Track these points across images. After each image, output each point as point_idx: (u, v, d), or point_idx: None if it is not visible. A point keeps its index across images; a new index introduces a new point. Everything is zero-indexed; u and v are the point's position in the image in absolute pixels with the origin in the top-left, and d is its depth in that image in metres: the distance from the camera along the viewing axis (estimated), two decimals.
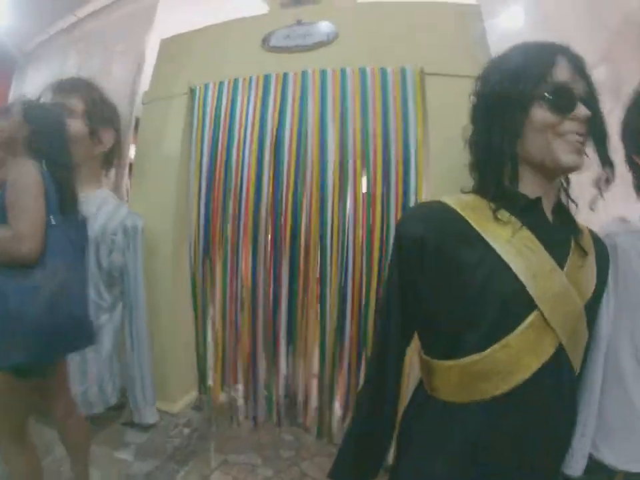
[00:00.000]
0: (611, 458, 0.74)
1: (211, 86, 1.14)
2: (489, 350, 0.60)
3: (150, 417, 1.02)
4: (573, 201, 0.72)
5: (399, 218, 0.80)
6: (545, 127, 0.62)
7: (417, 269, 0.64)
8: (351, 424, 0.78)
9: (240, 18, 1.21)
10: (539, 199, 0.66)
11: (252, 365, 1.08)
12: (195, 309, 1.14)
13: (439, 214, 0.65)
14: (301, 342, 1.04)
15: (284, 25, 1.13)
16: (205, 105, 1.13)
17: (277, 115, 1.02)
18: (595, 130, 0.64)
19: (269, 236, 1.04)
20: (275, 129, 1.02)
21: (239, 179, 1.04)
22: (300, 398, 1.06)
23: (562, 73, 0.62)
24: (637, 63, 1.27)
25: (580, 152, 0.62)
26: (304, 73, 1.04)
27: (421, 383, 0.75)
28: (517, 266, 0.60)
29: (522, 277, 0.59)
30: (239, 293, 1.07)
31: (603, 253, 0.71)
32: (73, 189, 0.83)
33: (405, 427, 0.73)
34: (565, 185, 0.72)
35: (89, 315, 0.84)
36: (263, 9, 1.44)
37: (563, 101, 0.61)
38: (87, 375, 0.96)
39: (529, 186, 0.66)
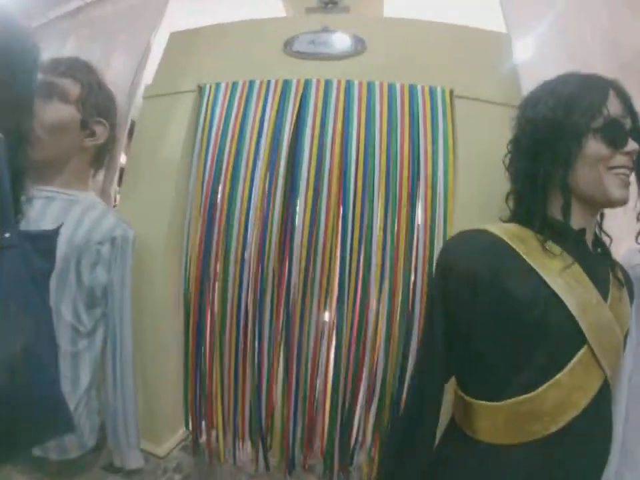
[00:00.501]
0: None
1: (223, 85, 1.04)
2: (540, 389, 0.58)
3: (134, 461, 0.84)
4: (607, 234, 0.73)
5: (440, 246, 0.71)
6: (598, 160, 0.62)
7: (468, 304, 0.61)
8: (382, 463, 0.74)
9: (260, 18, 1.13)
10: (583, 231, 0.66)
11: (257, 399, 0.93)
12: (187, 334, 0.99)
13: (491, 245, 0.63)
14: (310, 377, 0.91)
15: (308, 30, 1.06)
16: (214, 105, 1.02)
17: (294, 124, 0.93)
18: None
19: (280, 266, 0.91)
20: (290, 140, 0.92)
21: (247, 192, 0.92)
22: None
23: (614, 107, 0.63)
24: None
25: (627, 186, 0.63)
26: (327, 82, 0.96)
27: (452, 422, 0.70)
28: (569, 300, 0.58)
29: (574, 312, 0.58)
30: (241, 322, 0.93)
31: (629, 285, 0.70)
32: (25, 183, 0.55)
33: (439, 470, 0.67)
34: (600, 220, 0.72)
35: (61, 388, 0.59)
36: (282, 11, 1.39)
37: (616, 135, 0.62)
38: None
39: (574, 217, 0.65)
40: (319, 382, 0.92)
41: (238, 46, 1.10)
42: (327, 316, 0.90)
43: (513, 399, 0.59)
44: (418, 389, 0.67)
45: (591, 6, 1.41)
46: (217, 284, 0.96)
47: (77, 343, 0.80)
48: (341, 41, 1.01)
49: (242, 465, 0.98)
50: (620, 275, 0.68)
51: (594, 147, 0.61)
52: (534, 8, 1.40)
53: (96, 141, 0.88)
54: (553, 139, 0.62)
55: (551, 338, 0.58)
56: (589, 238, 0.67)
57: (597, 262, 0.66)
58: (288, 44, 1.03)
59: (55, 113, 0.81)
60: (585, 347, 0.58)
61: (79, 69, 0.86)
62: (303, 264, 0.87)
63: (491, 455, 0.61)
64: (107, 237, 0.82)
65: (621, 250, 0.80)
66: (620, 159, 0.61)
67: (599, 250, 0.70)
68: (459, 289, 0.61)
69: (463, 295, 0.61)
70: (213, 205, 0.95)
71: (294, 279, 0.88)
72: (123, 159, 1.24)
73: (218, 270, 0.94)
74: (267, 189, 0.92)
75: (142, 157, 1.09)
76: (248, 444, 0.98)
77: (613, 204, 0.63)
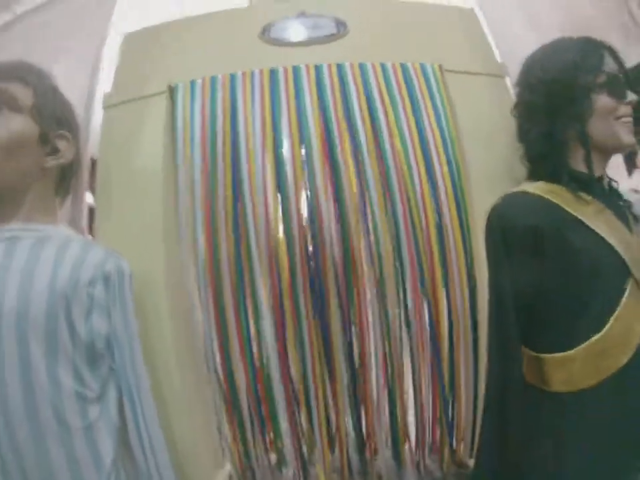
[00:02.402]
0: None
1: (199, 82, 0.93)
2: (607, 326, 0.63)
3: None
4: (613, 179, 0.79)
5: (492, 209, 0.70)
6: (608, 112, 0.69)
7: (535, 258, 0.66)
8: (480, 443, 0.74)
9: (227, 9, 1.05)
10: (602, 178, 0.73)
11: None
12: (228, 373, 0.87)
13: (538, 202, 0.69)
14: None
15: (282, 17, 0.99)
16: (192, 104, 0.91)
17: (294, 114, 0.85)
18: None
19: (307, 264, 0.81)
20: (295, 129, 0.84)
21: (255, 191, 0.82)
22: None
23: (610, 64, 0.71)
24: None
25: (632, 132, 0.71)
26: (318, 67, 0.90)
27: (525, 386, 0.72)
28: (613, 240, 0.65)
29: (619, 249, 0.65)
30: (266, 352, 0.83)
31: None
32: None
33: (525, 433, 0.68)
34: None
35: None
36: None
37: (618, 89, 0.70)
38: None
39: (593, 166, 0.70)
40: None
41: (207, 40, 1.00)
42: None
43: (585, 344, 0.64)
44: (498, 357, 0.70)
45: None
46: (230, 307, 0.85)
47: (87, 413, 0.65)
48: (322, 24, 0.96)
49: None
50: (635, 211, 0.75)
51: (602, 100, 0.69)
52: None
53: (60, 160, 0.72)
54: (566, 98, 0.69)
55: (604, 277, 0.65)
56: (605, 184, 0.75)
57: (615, 203, 0.73)
58: (265, 31, 0.95)
59: (6, 125, 0.65)
60: (631, 279, 0.65)
61: (28, 72, 0.71)
62: (334, 263, 0.80)
63: (573, 402, 0.65)
64: (97, 274, 0.67)
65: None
66: (624, 109, 0.70)
67: (614, 193, 0.77)
68: (524, 247, 0.66)
69: (529, 252, 0.66)
70: (214, 210, 0.84)
71: (330, 285, 0.81)
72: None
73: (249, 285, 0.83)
74: (277, 185, 0.83)
75: (114, 175, 0.93)
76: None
77: (625, 148, 0.72)
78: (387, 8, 1.08)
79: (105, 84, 1.15)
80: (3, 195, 0.66)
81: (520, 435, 0.70)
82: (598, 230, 0.65)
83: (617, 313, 0.64)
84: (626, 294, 0.64)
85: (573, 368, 0.65)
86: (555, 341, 0.67)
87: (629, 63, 1.33)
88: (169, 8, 1.25)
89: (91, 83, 1.14)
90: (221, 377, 0.89)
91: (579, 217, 0.66)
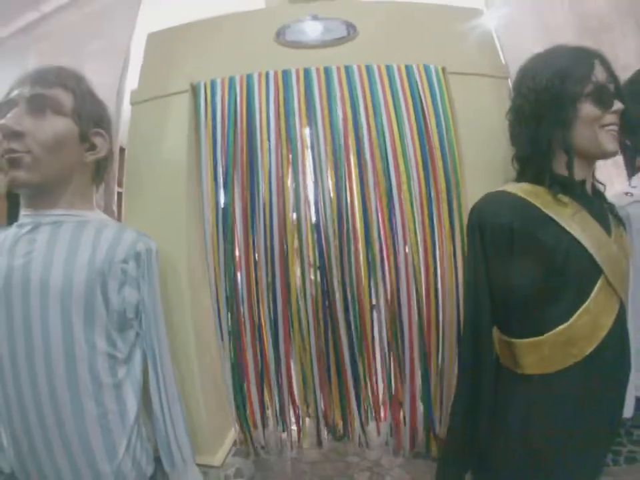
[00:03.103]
0: None
1: (218, 82, 1.02)
2: (574, 317, 0.69)
3: (192, 477, 0.83)
4: (600, 183, 0.83)
5: (472, 207, 0.76)
6: (592, 120, 0.72)
7: (505, 253, 0.71)
8: (453, 412, 0.81)
9: (244, 11, 1.12)
10: (584, 182, 0.76)
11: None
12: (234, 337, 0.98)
13: (517, 202, 0.73)
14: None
15: (296, 19, 1.05)
16: (214, 103, 1.00)
17: (304, 112, 0.93)
18: (628, 120, 0.75)
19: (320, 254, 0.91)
20: (302, 129, 0.92)
21: (267, 185, 0.92)
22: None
23: (600, 74, 0.73)
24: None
25: (617, 140, 0.74)
26: (327, 69, 0.97)
27: (499, 367, 0.80)
28: (585, 240, 0.70)
29: (591, 249, 0.69)
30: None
31: (622, 222, 0.82)
32: None
33: (498, 410, 0.76)
34: (593, 170, 0.82)
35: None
36: (259, 3, 1.36)
37: (604, 98, 0.72)
38: (116, 449, 0.75)
39: (575, 171, 0.74)
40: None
41: (226, 41, 1.08)
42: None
43: (554, 331, 0.69)
44: (471, 340, 0.76)
45: None
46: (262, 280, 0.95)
47: (117, 372, 0.76)
48: (333, 27, 1.02)
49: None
50: (618, 214, 0.79)
51: (588, 109, 0.72)
52: None
53: (97, 155, 0.82)
54: (553, 106, 0.72)
55: (575, 273, 0.70)
56: (588, 187, 0.78)
57: (597, 206, 0.77)
58: (280, 34, 1.03)
59: (51, 128, 0.74)
60: (602, 277, 0.70)
61: (68, 77, 0.79)
62: (337, 244, 0.89)
63: (542, 384, 0.71)
64: (130, 253, 0.77)
65: (607, 195, 0.92)
66: (609, 118, 0.72)
67: (597, 196, 0.81)
68: (498, 242, 0.71)
69: (501, 246, 0.71)
70: (229, 198, 0.94)
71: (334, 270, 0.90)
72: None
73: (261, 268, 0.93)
74: (288, 179, 0.92)
75: (142, 165, 1.04)
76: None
77: (607, 155, 0.74)
78: (397, 9, 1.12)
79: (131, 80, 1.24)
80: (49, 185, 0.76)
81: (491, 413, 0.76)
82: (571, 230, 0.69)
83: (584, 306, 0.69)
84: (595, 289, 0.69)
85: (542, 353, 0.71)
86: (527, 328, 0.72)
87: None
88: (190, 7, 1.32)
89: (119, 79, 1.24)
90: (229, 342, 0.99)
91: (554, 217, 0.70)
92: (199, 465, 0.85)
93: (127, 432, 0.75)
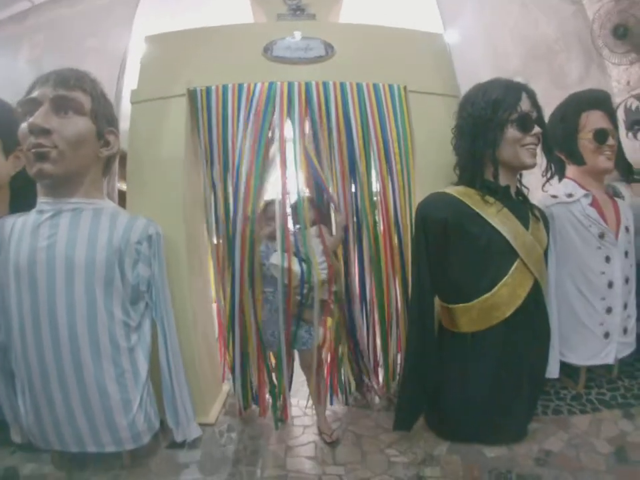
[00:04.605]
0: (573, 359, 1.12)
1: (213, 89, 1.17)
2: (495, 288, 0.92)
3: (195, 431, 0.97)
4: (525, 187, 1.05)
5: (417, 205, 0.99)
6: (515, 141, 0.94)
7: (441, 241, 0.93)
8: (404, 370, 1.02)
9: (236, 24, 1.26)
10: (508, 187, 0.98)
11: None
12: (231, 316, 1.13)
13: (451, 201, 0.95)
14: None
15: (282, 36, 1.21)
16: (209, 106, 1.15)
17: (285, 118, 1.11)
18: (544, 141, 0.98)
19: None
20: (283, 137, 1.09)
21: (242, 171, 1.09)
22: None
23: (525, 104, 0.94)
24: (543, 81, 1.68)
25: (535, 156, 0.96)
26: (308, 84, 1.14)
27: (441, 329, 1.03)
28: (504, 231, 0.92)
29: (508, 238, 0.91)
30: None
31: (546, 220, 1.05)
32: None
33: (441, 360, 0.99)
34: (519, 177, 1.05)
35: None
36: (247, 13, 1.48)
37: (526, 124, 0.93)
38: (131, 404, 0.86)
39: (501, 178, 0.97)
40: None
41: (219, 51, 1.22)
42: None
43: (480, 298, 0.94)
44: (417, 306, 0.98)
45: (508, 4, 1.73)
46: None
47: (130, 338, 0.89)
48: (314, 46, 1.19)
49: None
50: (537, 212, 1.02)
51: (512, 132, 0.93)
52: (464, 9, 1.68)
53: (111, 150, 0.94)
54: (485, 129, 0.94)
55: (496, 256, 0.92)
56: (512, 191, 1.00)
57: (519, 206, 0.99)
58: (268, 49, 1.18)
59: (74, 126, 0.85)
60: (518, 259, 0.91)
61: (86, 81, 0.90)
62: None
63: (471, 339, 0.95)
64: (143, 236, 0.90)
65: (537, 196, 1.18)
66: (529, 139, 0.94)
67: (521, 198, 1.03)
68: (435, 230, 0.93)
69: (438, 235, 0.93)
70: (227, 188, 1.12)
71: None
72: None
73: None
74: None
75: (143, 161, 1.16)
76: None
77: (526, 167, 0.97)
78: (369, 32, 1.30)
79: (129, 79, 1.33)
80: (70, 177, 0.88)
81: (435, 364, 0.98)
82: (493, 223, 0.91)
83: (503, 280, 0.91)
84: (512, 268, 0.91)
85: (472, 315, 0.94)
86: (460, 296, 0.95)
87: (592, 84, 1.56)
88: (185, 13, 1.43)
89: (117, 79, 1.32)
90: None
91: (480, 213, 0.92)
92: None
93: (139, 389, 0.88)
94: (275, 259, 1.05)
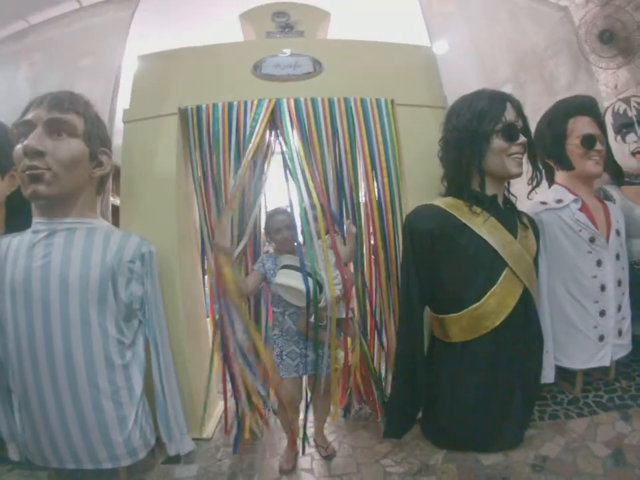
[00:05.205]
0: (569, 363, 1.12)
1: (204, 107, 1.19)
2: (484, 298, 0.92)
3: (188, 446, 0.98)
4: (513, 195, 1.07)
5: (405, 216, 1.01)
6: (501, 151, 0.94)
7: (429, 252, 0.94)
8: (394, 378, 1.02)
9: (227, 43, 1.28)
10: (495, 196, 0.98)
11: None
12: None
13: (438, 212, 0.96)
14: None
15: (271, 54, 1.23)
16: (199, 124, 1.17)
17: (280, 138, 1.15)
18: (530, 150, 0.99)
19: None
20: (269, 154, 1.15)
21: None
22: None
23: (510, 114, 0.94)
24: (534, 88, 1.69)
25: (521, 165, 0.96)
26: (296, 100, 1.17)
27: (432, 338, 1.04)
28: (492, 241, 0.92)
29: (496, 247, 0.92)
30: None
31: (535, 227, 1.06)
32: None
33: (432, 370, 1.00)
34: (507, 186, 1.06)
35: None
36: (237, 31, 1.51)
37: (511, 134, 0.93)
38: (126, 420, 0.87)
39: (488, 188, 0.97)
40: None
41: (210, 70, 1.25)
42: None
43: (469, 308, 0.94)
44: (406, 317, 0.98)
45: (496, 14, 1.76)
46: None
47: (125, 354, 0.90)
48: (302, 63, 1.21)
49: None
50: (525, 220, 1.02)
51: (498, 143, 0.94)
52: (451, 20, 1.71)
53: (104, 171, 0.96)
54: (471, 140, 0.94)
55: (484, 266, 0.92)
56: (500, 200, 1.00)
57: (507, 214, 0.99)
58: (257, 67, 1.21)
59: (68, 148, 0.86)
60: (507, 268, 0.91)
61: (79, 103, 0.91)
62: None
63: (462, 348, 0.95)
64: (136, 254, 0.91)
65: (526, 204, 1.18)
66: (515, 148, 0.94)
67: (508, 206, 1.04)
68: (422, 242, 0.94)
69: (425, 246, 0.94)
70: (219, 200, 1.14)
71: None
72: None
73: None
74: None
75: (135, 179, 1.18)
76: None
77: (512, 177, 0.98)
78: (356, 47, 1.31)
79: (121, 98, 1.35)
80: (63, 197, 0.89)
81: (424, 373, 0.98)
82: (480, 233, 0.92)
83: (492, 290, 0.91)
84: (501, 277, 0.91)
85: (461, 324, 0.94)
86: (450, 307, 0.96)
87: (580, 89, 1.57)
88: (177, 33, 1.46)
89: (111, 97, 1.35)
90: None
91: (467, 224, 0.93)
92: (192, 439, 1.00)
93: (134, 406, 0.89)
94: (282, 278, 0.96)
